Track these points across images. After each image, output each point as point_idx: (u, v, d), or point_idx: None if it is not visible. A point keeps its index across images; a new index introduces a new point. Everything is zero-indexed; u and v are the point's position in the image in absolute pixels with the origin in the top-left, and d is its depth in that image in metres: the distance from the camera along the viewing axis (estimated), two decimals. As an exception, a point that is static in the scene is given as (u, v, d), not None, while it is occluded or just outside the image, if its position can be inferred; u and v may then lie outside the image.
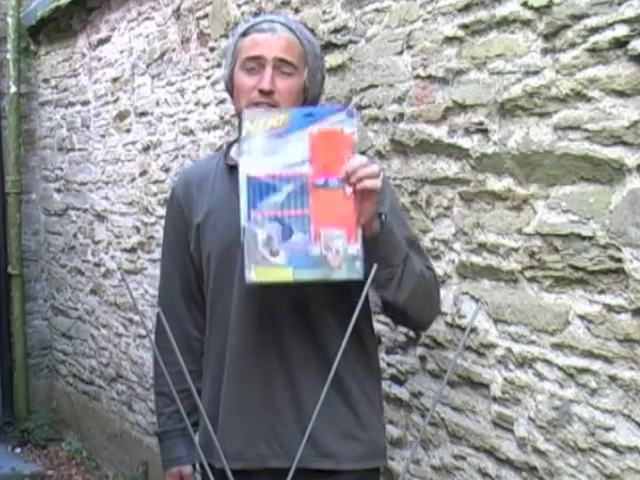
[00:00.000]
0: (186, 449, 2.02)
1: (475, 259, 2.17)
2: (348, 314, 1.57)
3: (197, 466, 2.05)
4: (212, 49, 3.57)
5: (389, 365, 2.54)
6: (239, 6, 3.30)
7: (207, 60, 3.62)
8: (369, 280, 1.42)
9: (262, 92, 1.81)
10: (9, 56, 5.57)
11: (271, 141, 1.61)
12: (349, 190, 1.61)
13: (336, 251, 1.61)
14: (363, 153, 2.51)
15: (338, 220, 1.61)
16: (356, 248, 1.60)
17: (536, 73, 1.93)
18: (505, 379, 2.09)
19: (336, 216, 1.61)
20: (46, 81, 5.67)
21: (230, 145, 2.00)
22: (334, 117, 1.62)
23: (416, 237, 1.99)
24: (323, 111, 1.64)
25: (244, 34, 1.87)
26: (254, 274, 1.62)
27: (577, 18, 1.82)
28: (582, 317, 1.87)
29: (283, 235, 1.61)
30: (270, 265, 1.61)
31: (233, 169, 1.90)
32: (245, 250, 1.62)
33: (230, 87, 1.92)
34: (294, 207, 1.61)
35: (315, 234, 1.61)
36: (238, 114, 1.91)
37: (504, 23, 2.02)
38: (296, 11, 2.88)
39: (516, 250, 2.03)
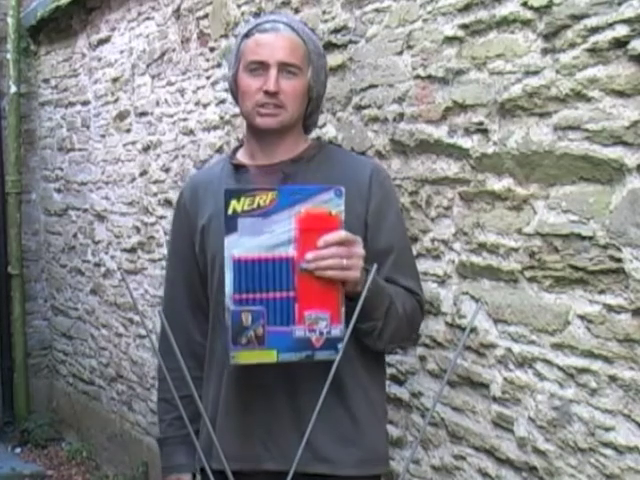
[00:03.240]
0: (186, 457, 2.00)
1: (475, 259, 2.17)
2: (351, 317, 1.58)
3: (197, 469, 2.04)
4: (212, 49, 3.57)
5: (389, 365, 2.54)
6: (239, 6, 3.30)
7: (207, 60, 3.62)
8: (369, 280, 1.42)
9: (267, 93, 1.81)
10: (9, 56, 5.57)
11: (257, 221, 1.59)
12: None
13: (320, 333, 1.61)
14: (363, 153, 2.51)
15: (322, 302, 1.61)
16: (339, 329, 1.61)
17: (536, 73, 1.93)
18: (505, 379, 2.09)
19: (320, 298, 1.61)
20: (46, 81, 5.67)
21: (237, 148, 2.01)
22: (322, 196, 1.59)
23: (412, 253, 1.97)
24: (311, 190, 1.61)
25: (247, 35, 1.86)
26: (238, 357, 1.62)
27: (577, 18, 1.82)
28: (582, 317, 1.87)
29: (268, 318, 1.60)
30: (254, 348, 1.61)
31: (238, 168, 1.91)
32: (229, 332, 1.61)
33: (234, 89, 1.91)
34: (279, 290, 1.60)
35: (299, 316, 1.61)
36: (243, 115, 1.91)
37: (504, 23, 2.02)
38: (296, 11, 2.88)
39: (516, 250, 2.03)
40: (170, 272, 2.07)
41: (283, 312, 1.61)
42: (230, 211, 1.59)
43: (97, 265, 5.02)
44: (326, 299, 1.61)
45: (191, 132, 3.81)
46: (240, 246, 1.59)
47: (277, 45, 1.82)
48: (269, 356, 1.62)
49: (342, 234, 1.61)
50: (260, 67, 1.82)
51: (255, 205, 1.59)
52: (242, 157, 1.94)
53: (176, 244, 2.04)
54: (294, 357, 1.63)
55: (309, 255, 1.59)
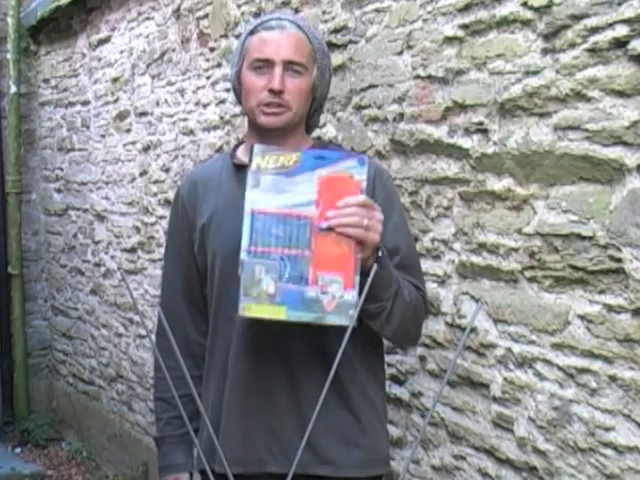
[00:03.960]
0: (183, 456, 1.99)
1: (475, 259, 2.17)
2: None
3: (195, 472, 2.03)
4: (212, 49, 3.57)
5: (389, 365, 2.54)
6: (239, 6, 3.30)
7: (207, 60, 3.62)
8: (369, 281, 1.42)
9: (272, 92, 1.79)
10: (9, 56, 5.57)
11: (280, 179, 1.60)
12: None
13: (332, 296, 1.60)
14: (363, 153, 2.51)
15: (337, 265, 1.61)
16: (352, 295, 1.60)
17: (536, 73, 1.93)
18: (505, 379, 2.09)
19: (336, 261, 1.61)
20: (46, 81, 5.67)
21: (237, 146, 1.99)
22: (345, 163, 1.61)
23: (416, 252, 1.97)
24: (335, 155, 1.63)
25: (252, 32, 1.84)
26: (247, 309, 1.62)
27: (577, 18, 1.82)
28: (582, 317, 1.87)
29: (281, 273, 1.60)
30: (265, 302, 1.61)
31: (240, 168, 1.89)
32: (241, 283, 1.61)
33: (237, 86, 1.89)
34: (295, 247, 1.60)
35: (313, 277, 1.60)
36: (246, 114, 1.90)
37: (504, 23, 2.02)
38: (296, 11, 2.88)
39: (516, 250, 2.03)
40: (167, 270, 2.05)
41: (297, 270, 1.60)
42: (254, 167, 1.61)
43: (97, 265, 5.03)
44: (341, 263, 1.61)
45: (191, 132, 3.80)
46: (260, 201, 1.60)
47: (282, 43, 1.80)
48: (278, 312, 1.61)
49: (362, 197, 1.62)
50: (265, 65, 1.80)
51: (279, 164, 1.61)
52: (243, 156, 1.92)
53: (174, 242, 2.02)
54: (304, 317, 1.62)
55: (330, 212, 1.60)
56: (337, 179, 1.60)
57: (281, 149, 1.66)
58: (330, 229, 1.60)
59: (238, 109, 3.26)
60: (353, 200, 1.61)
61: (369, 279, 1.30)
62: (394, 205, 1.88)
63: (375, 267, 1.41)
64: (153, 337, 2.18)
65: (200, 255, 1.93)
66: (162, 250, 4.03)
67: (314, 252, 1.60)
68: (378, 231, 1.63)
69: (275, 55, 1.79)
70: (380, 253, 1.67)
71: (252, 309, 1.62)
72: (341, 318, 1.60)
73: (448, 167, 2.24)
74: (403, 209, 2.38)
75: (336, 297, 1.60)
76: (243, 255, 1.61)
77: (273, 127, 1.82)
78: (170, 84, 4.00)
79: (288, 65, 1.80)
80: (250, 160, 1.61)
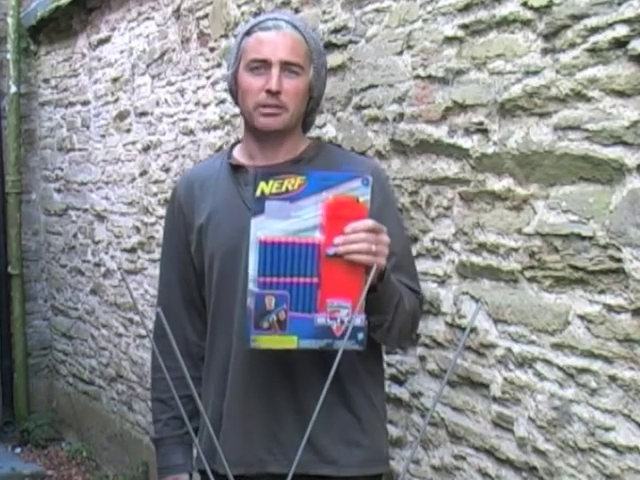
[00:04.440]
0: (182, 457, 1.99)
1: (475, 259, 2.17)
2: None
3: (194, 473, 2.03)
4: (212, 49, 3.57)
5: (389, 365, 2.54)
6: (239, 6, 3.30)
7: (207, 60, 3.62)
8: (369, 281, 1.42)
9: (269, 93, 1.79)
10: (9, 56, 5.57)
11: (285, 204, 1.59)
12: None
13: (341, 321, 1.61)
14: (363, 153, 2.51)
15: (345, 291, 1.61)
16: (360, 319, 1.60)
17: (536, 73, 1.93)
18: (505, 379, 2.09)
19: (344, 286, 1.61)
20: (46, 81, 5.67)
21: (233, 146, 1.99)
22: (350, 184, 1.60)
23: (411, 253, 1.98)
24: (339, 177, 1.61)
25: (248, 33, 1.83)
26: (258, 340, 1.62)
27: (577, 18, 1.82)
28: (582, 317, 1.87)
29: (291, 303, 1.60)
30: (276, 333, 1.61)
31: (237, 169, 1.89)
32: (251, 315, 1.61)
33: (234, 87, 1.89)
34: (303, 275, 1.60)
35: (322, 303, 1.60)
36: (244, 115, 1.90)
37: (504, 23, 2.02)
38: (296, 11, 2.88)
39: (516, 250, 2.03)
40: (164, 271, 2.04)
41: (306, 298, 1.60)
42: (258, 193, 1.59)
43: (97, 265, 5.02)
44: (349, 288, 1.61)
45: (191, 132, 3.80)
46: (266, 228, 1.59)
47: (279, 43, 1.80)
48: (290, 342, 1.62)
49: (370, 222, 1.61)
50: (262, 66, 1.80)
51: (283, 189, 1.59)
52: (240, 157, 1.92)
53: (170, 242, 2.02)
54: (314, 344, 1.62)
55: (339, 239, 1.59)
56: (343, 202, 1.59)
57: (285, 173, 1.64)
58: (336, 254, 1.60)
59: (238, 109, 3.25)
60: (361, 225, 1.60)
61: (364, 290, 1.30)
62: (391, 207, 1.88)
63: (369, 282, 1.41)
64: (154, 339, 2.17)
65: (197, 255, 1.93)
66: (162, 250, 4.05)
67: (322, 278, 1.60)
68: (385, 254, 1.64)
69: (272, 55, 1.79)
70: (385, 271, 1.68)
71: (263, 340, 1.62)
72: (351, 342, 1.61)
73: (448, 167, 2.24)
74: (400, 210, 2.38)
75: (345, 322, 1.61)
76: (252, 286, 1.60)
77: (270, 129, 1.82)
78: (170, 84, 4.00)
79: (285, 66, 1.79)
80: (254, 186, 1.59)
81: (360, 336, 1.61)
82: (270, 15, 1.89)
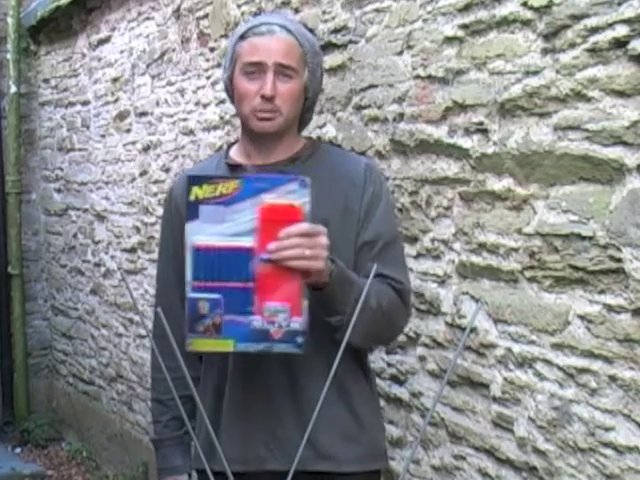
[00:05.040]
0: (182, 458, 2.00)
1: (475, 259, 2.17)
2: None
3: (193, 474, 2.03)
4: (212, 49, 3.57)
5: (389, 365, 2.54)
6: (239, 6, 3.30)
7: (207, 60, 3.62)
8: (369, 281, 1.42)
9: (264, 98, 1.80)
10: (9, 56, 5.57)
11: (219, 209, 1.58)
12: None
13: (279, 325, 1.60)
14: (363, 153, 2.51)
15: (282, 294, 1.60)
16: (299, 322, 1.59)
17: (536, 73, 1.93)
18: (505, 379, 2.09)
19: (281, 290, 1.60)
20: (46, 81, 5.67)
21: (230, 146, 2.00)
22: (286, 187, 1.58)
23: (400, 244, 1.96)
24: (275, 180, 1.60)
25: (242, 37, 1.84)
26: (194, 344, 1.62)
27: (577, 18, 1.82)
28: (582, 317, 1.87)
29: (226, 307, 1.59)
30: (211, 337, 1.61)
31: (234, 168, 1.90)
32: (186, 320, 1.61)
33: (230, 90, 1.90)
34: (237, 280, 1.59)
35: (258, 307, 1.59)
36: (240, 117, 1.91)
37: (504, 23, 2.02)
38: (296, 11, 2.88)
39: (516, 250, 2.03)
40: (161, 270, 2.06)
41: (241, 302, 1.59)
42: (192, 197, 1.58)
43: (97, 265, 5.03)
44: (286, 291, 1.60)
45: (191, 132, 3.81)
46: (201, 233, 1.58)
47: (273, 48, 1.81)
48: (226, 345, 1.61)
49: (304, 226, 1.60)
50: (256, 70, 1.81)
51: (217, 193, 1.58)
52: (237, 156, 1.93)
53: (167, 242, 2.02)
54: (252, 348, 1.62)
55: (271, 245, 1.58)
56: (276, 207, 1.58)
57: (218, 176, 1.63)
58: (270, 259, 1.58)
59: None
60: (295, 230, 1.58)
61: (371, 274, 1.30)
62: (381, 198, 1.87)
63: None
64: (153, 339, 2.17)
65: None
66: (162, 250, 4.05)
67: (257, 283, 1.59)
68: (322, 257, 1.62)
69: (267, 59, 1.80)
70: (333, 267, 1.67)
71: (199, 344, 1.62)
72: (289, 346, 1.60)
73: (448, 167, 2.24)
74: (400, 209, 2.38)
75: (283, 326, 1.59)
76: (187, 290, 1.60)
77: (266, 132, 1.84)
78: (170, 84, 4.00)
79: (279, 69, 1.81)
80: (187, 191, 1.58)
81: (299, 340, 1.60)
82: (264, 19, 1.89)
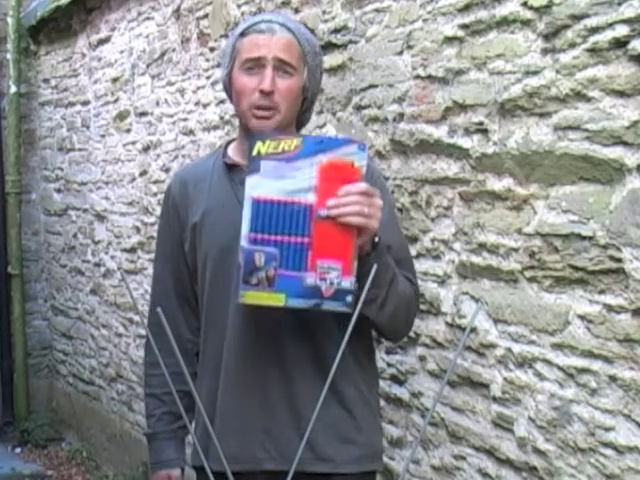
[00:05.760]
0: (175, 452, 2.01)
1: (475, 259, 2.17)
2: (347, 317, 1.57)
3: (186, 469, 2.04)
4: (212, 49, 3.57)
5: (389, 365, 2.54)
6: (239, 6, 3.30)
7: (207, 60, 3.62)
8: (368, 283, 1.42)
9: (262, 93, 1.80)
10: (9, 56, 5.57)
11: (280, 165, 1.61)
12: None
13: (330, 283, 1.62)
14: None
15: (336, 252, 1.62)
16: (350, 281, 1.61)
17: (536, 73, 1.93)
18: (505, 379, 2.09)
19: (334, 248, 1.62)
20: (46, 81, 5.67)
21: (228, 144, 2.00)
22: (346, 149, 1.61)
23: (407, 246, 1.97)
24: (335, 142, 1.63)
25: (242, 34, 1.85)
26: (246, 296, 1.63)
27: (577, 18, 1.82)
28: (582, 317, 1.87)
29: (280, 261, 1.61)
30: (264, 290, 1.62)
31: (231, 168, 1.90)
32: (240, 271, 1.62)
33: (229, 88, 1.90)
34: (294, 234, 1.61)
35: (312, 264, 1.61)
36: (238, 115, 1.91)
37: (504, 23, 2.02)
38: (296, 11, 2.88)
39: (516, 250, 2.03)
40: (158, 268, 2.06)
41: (296, 257, 1.61)
42: (255, 152, 1.61)
43: (97, 265, 5.03)
44: (340, 250, 1.62)
45: (191, 132, 3.81)
46: (261, 187, 1.61)
47: (273, 44, 1.81)
48: (277, 299, 1.63)
49: (363, 185, 1.62)
50: (256, 65, 1.81)
51: (279, 149, 1.61)
52: (235, 155, 1.93)
53: (164, 240, 2.03)
54: (302, 303, 1.63)
55: (331, 202, 1.60)
56: (337, 165, 1.61)
57: (282, 134, 1.66)
58: (328, 216, 1.61)
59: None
60: (354, 188, 1.61)
61: (371, 273, 1.31)
62: (384, 203, 1.88)
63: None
64: (150, 336, 2.17)
65: (191, 254, 1.94)
66: (162, 250, 4.05)
67: (313, 239, 1.61)
68: (378, 218, 1.65)
69: (266, 53, 1.80)
70: (377, 239, 1.69)
71: (251, 296, 1.63)
72: (339, 304, 1.62)
73: (448, 167, 2.24)
74: (401, 209, 2.38)
75: (334, 284, 1.62)
76: (243, 242, 1.62)
77: (263, 131, 1.83)
78: (170, 84, 4.00)
79: (278, 65, 1.81)
80: (251, 146, 1.61)
81: (348, 298, 1.62)
82: (264, 17, 1.89)
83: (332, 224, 1.61)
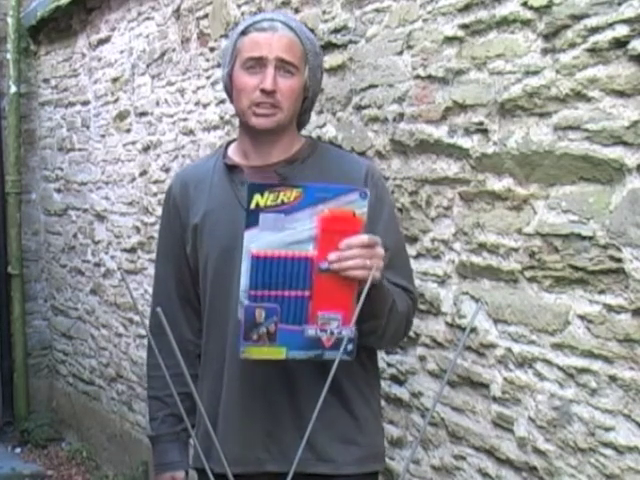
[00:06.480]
0: (179, 454, 2.00)
1: (475, 259, 2.17)
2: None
3: (190, 471, 2.03)
4: (212, 49, 3.57)
5: (389, 365, 2.54)
6: (239, 6, 3.30)
7: (207, 60, 3.62)
8: (367, 284, 1.42)
9: (264, 92, 1.79)
10: (9, 56, 5.57)
11: (279, 217, 1.57)
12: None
13: (330, 333, 1.61)
14: (363, 153, 2.51)
15: (337, 303, 1.60)
16: (350, 329, 1.60)
17: (536, 73, 1.93)
18: (505, 379, 2.09)
19: (335, 299, 1.60)
20: (46, 81, 5.67)
21: (228, 144, 1.99)
22: (347, 197, 1.58)
23: (405, 249, 1.97)
24: (336, 190, 1.59)
25: (243, 33, 1.84)
26: (247, 351, 1.62)
27: (577, 18, 1.82)
28: (582, 317, 1.87)
29: (281, 316, 1.60)
30: (265, 344, 1.61)
31: (232, 169, 1.90)
32: (241, 326, 1.61)
33: (229, 86, 1.89)
34: (294, 289, 1.59)
35: (312, 316, 1.60)
36: (238, 114, 1.90)
37: (504, 23, 2.02)
38: (296, 11, 2.88)
39: (516, 250, 2.03)
40: (160, 269, 2.05)
41: (297, 311, 1.60)
42: (253, 205, 1.57)
43: (97, 265, 5.03)
44: (340, 300, 1.60)
45: (191, 132, 3.80)
46: (259, 241, 1.58)
47: (275, 43, 1.80)
48: (278, 353, 1.62)
49: (365, 237, 1.60)
50: (257, 64, 1.80)
51: (279, 201, 1.57)
52: (235, 156, 1.92)
53: (165, 241, 2.02)
54: (303, 355, 1.63)
55: (332, 256, 1.58)
56: (337, 217, 1.58)
57: (279, 184, 1.62)
58: (329, 269, 1.58)
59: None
60: (356, 241, 1.58)
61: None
62: (384, 203, 1.87)
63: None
64: (152, 339, 2.17)
65: (193, 254, 1.94)
66: (162, 250, 4.05)
67: (314, 292, 1.59)
68: (380, 268, 1.63)
69: (268, 53, 1.79)
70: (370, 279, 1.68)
71: (252, 351, 1.62)
72: (340, 354, 1.61)
73: (448, 167, 2.24)
74: (401, 209, 2.38)
75: (335, 333, 1.61)
76: (242, 298, 1.60)
77: (264, 129, 1.83)
78: (170, 84, 4.00)
79: (280, 64, 1.80)
80: (248, 198, 1.57)
81: (349, 347, 1.62)
82: (266, 15, 1.89)
83: (333, 276, 1.58)
